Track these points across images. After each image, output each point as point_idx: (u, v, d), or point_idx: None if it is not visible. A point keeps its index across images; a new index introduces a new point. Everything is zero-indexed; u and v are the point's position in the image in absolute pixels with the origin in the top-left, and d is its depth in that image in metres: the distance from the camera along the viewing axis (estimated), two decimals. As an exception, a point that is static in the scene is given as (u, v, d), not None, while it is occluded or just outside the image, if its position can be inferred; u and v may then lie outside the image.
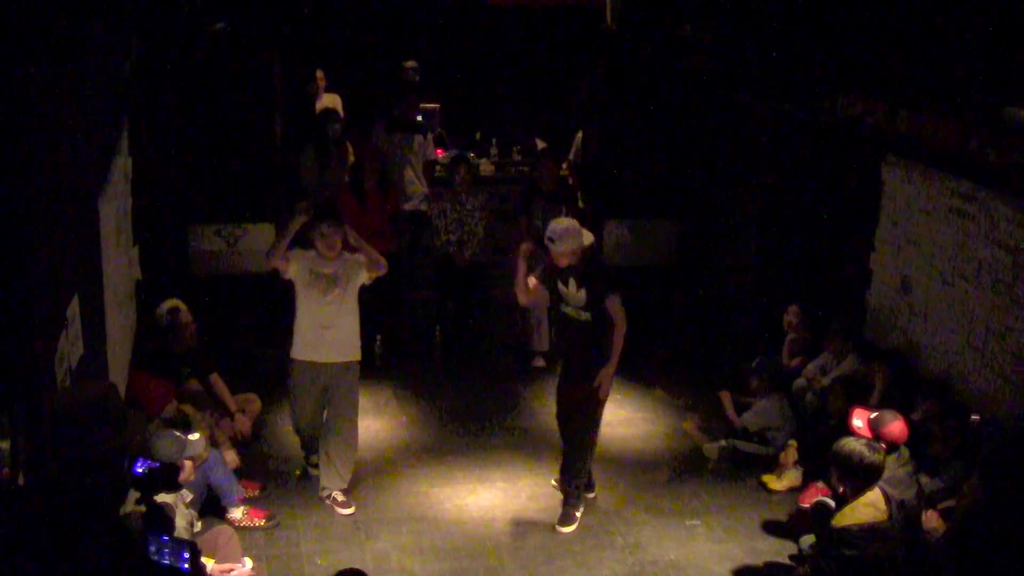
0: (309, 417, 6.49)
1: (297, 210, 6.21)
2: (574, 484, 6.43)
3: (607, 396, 6.35)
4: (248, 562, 5.52)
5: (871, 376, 7.04)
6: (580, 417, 6.39)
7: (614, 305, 6.15)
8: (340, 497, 6.44)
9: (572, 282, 6.20)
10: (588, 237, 6.29)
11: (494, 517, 6.51)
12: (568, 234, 6.12)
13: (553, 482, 6.79)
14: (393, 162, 9.03)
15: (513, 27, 11.91)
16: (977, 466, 5.50)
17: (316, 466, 6.59)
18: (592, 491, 6.70)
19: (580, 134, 10.38)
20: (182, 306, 6.71)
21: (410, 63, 10.65)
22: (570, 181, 9.83)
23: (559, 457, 7.27)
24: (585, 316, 6.20)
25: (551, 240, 6.12)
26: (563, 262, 6.18)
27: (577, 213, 9.06)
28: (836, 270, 8.35)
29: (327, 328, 6.25)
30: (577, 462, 6.42)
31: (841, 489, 5.42)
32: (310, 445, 6.65)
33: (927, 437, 6.22)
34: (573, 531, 6.35)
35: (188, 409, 6.35)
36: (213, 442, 6.20)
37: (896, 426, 5.59)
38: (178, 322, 6.64)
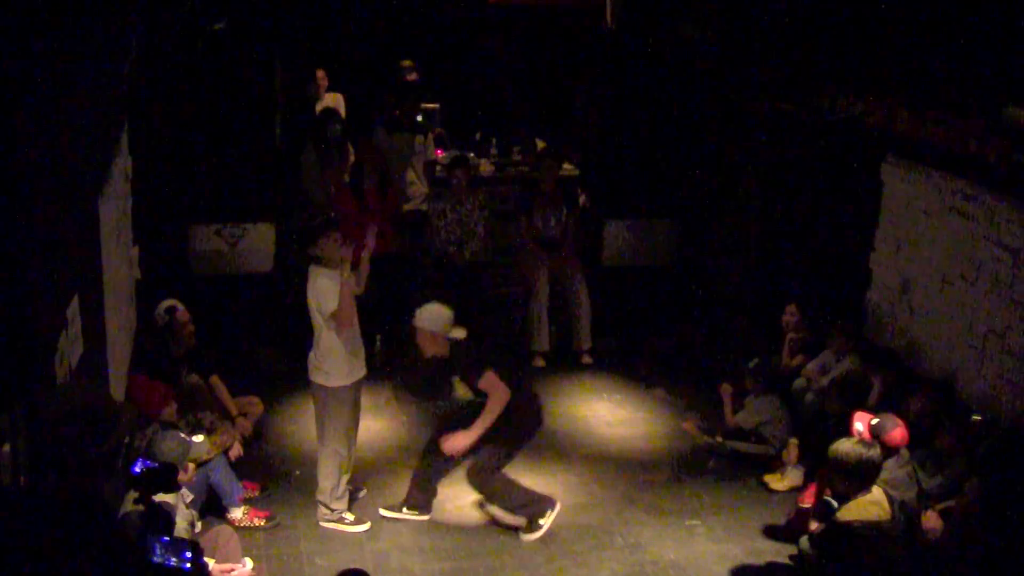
0: (348, 437, 6.25)
1: None
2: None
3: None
4: (248, 562, 5.52)
5: (869, 377, 7.05)
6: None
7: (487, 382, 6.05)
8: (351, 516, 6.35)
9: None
10: (459, 332, 6.19)
11: (494, 517, 6.52)
12: (426, 316, 6.08)
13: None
14: (393, 162, 9.03)
15: (513, 27, 11.91)
16: (976, 466, 5.51)
17: (360, 488, 6.57)
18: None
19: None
20: (179, 305, 6.69)
21: (406, 62, 10.64)
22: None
23: (559, 457, 7.31)
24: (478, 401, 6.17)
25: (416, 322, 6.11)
26: (426, 349, 6.13)
27: (578, 213, 9.07)
28: (836, 270, 8.35)
29: (359, 344, 6.17)
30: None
31: (843, 488, 5.42)
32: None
33: (930, 432, 6.22)
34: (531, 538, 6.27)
35: (207, 417, 6.34)
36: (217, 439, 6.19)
37: (897, 433, 5.60)
38: (176, 321, 6.61)
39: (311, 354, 6.12)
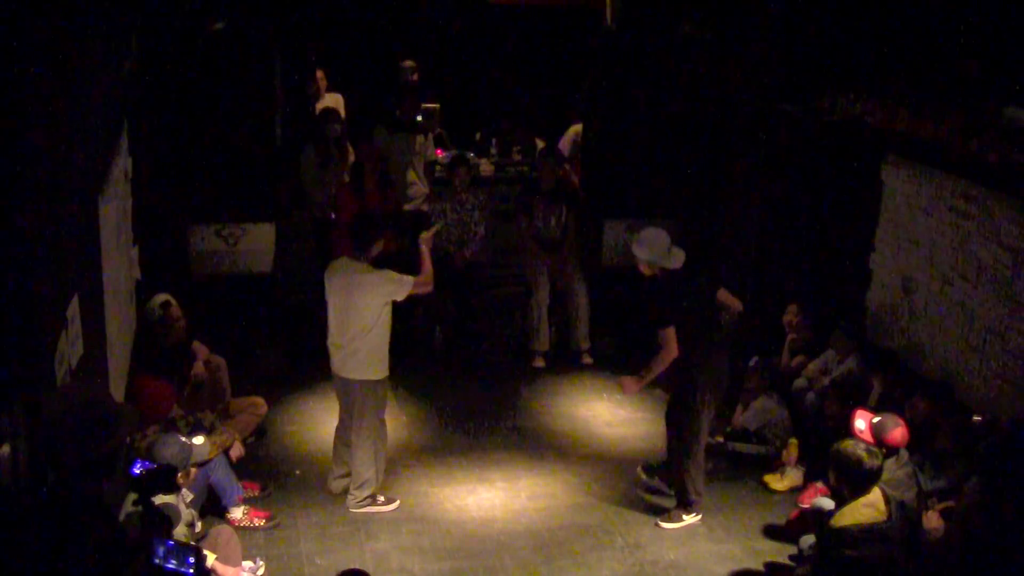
0: (384, 426, 6.56)
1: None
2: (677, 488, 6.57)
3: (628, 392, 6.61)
4: (261, 564, 5.58)
5: (869, 377, 7.04)
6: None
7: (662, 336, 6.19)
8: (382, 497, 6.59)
9: None
10: (678, 256, 6.16)
11: (494, 517, 6.52)
12: (644, 241, 6.15)
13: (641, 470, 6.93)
14: (393, 162, 9.03)
15: (513, 27, 11.90)
16: (976, 466, 5.51)
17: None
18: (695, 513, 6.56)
19: (574, 128, 10.34)
20: (173, 300, 6.75)
21: (408, 63, 10.65)
22: (572, 177, 9.80)
23: (559, 457, 7.30)
24: None
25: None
26: (642, 269, 6.26)
27: (579, 211, 9.06)
28: (836, 270, 8.34)
29: None
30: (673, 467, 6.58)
31: (840, 488, 5.42)
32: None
33: (931, 433, 6.22)
34: (673, 528, 6.46)
35: (207, 417, 6.36)
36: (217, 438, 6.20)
37: (898, 432, 5.60)
38: (169, 316, 6.66)
39: (352, 355, 6.21)
